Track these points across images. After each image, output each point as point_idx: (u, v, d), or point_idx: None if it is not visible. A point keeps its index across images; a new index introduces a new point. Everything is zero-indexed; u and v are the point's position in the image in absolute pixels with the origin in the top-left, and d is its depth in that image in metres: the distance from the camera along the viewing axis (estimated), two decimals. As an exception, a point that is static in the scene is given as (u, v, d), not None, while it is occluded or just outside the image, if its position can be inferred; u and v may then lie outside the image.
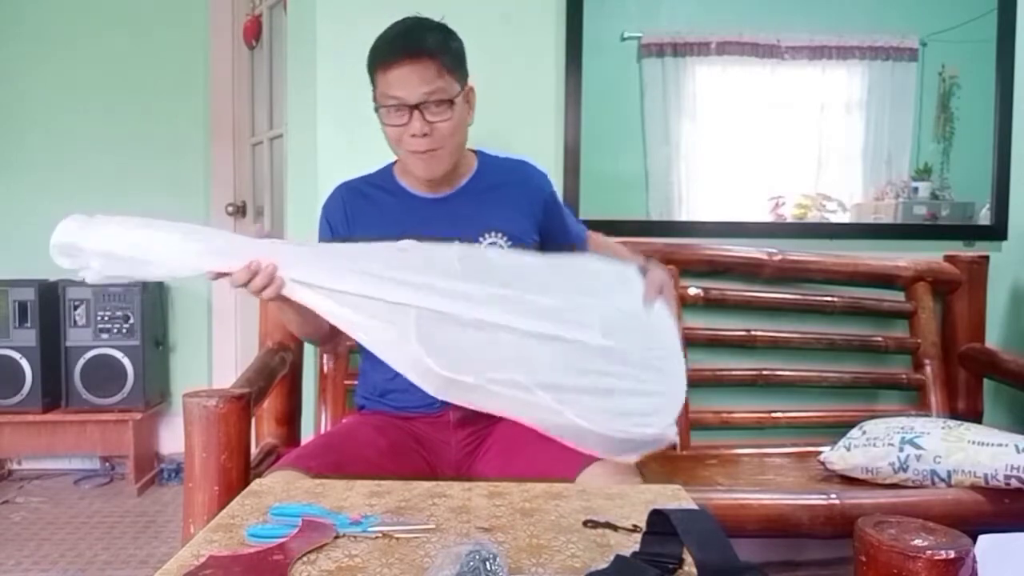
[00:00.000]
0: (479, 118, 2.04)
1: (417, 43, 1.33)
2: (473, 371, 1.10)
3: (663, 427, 1.15)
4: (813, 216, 2.09)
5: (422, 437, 1.38)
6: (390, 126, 1.36)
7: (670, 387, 1.21)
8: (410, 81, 1.32)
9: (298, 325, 1.39)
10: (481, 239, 1.40)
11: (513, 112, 1.99)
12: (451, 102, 1.35)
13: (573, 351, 1.15)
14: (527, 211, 1.46)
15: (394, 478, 1.11)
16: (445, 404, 1.30)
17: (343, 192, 1.50)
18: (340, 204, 1.48)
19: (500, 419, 1.28)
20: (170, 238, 1.26)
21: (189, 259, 1.21)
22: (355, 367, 1.66)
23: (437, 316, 1.14)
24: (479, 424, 1.36)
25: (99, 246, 1.18)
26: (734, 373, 1.98)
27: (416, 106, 1.32)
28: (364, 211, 1.46)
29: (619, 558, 0.77)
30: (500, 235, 1.41)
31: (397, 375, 1.31)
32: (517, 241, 1.42)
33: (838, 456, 1.64)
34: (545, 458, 1.21)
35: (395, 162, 1.50)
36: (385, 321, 1.14)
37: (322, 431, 1.73)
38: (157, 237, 1.25)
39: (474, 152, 1.52)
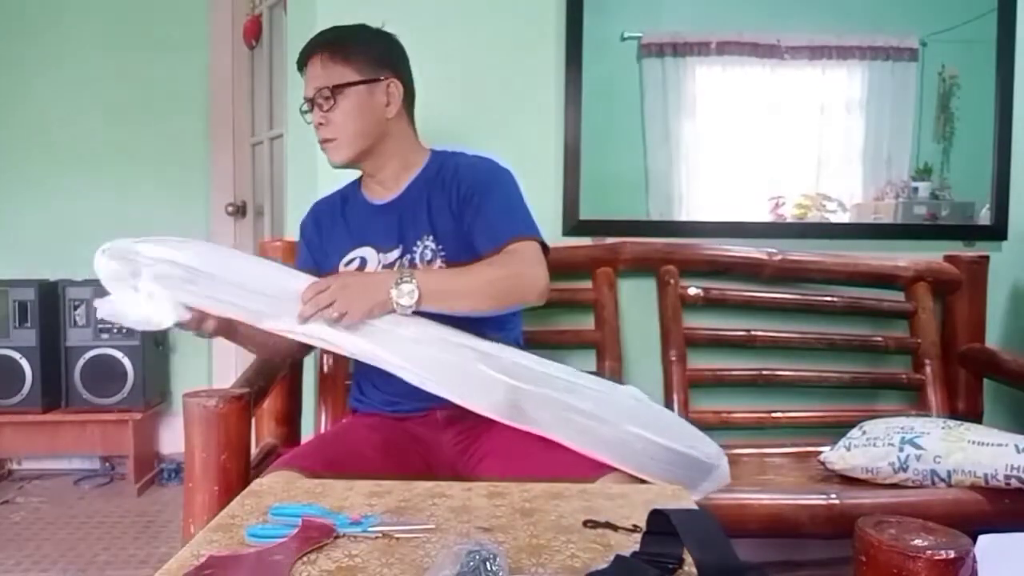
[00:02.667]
0: (479, 118, 2.04)
1: (309, 45, 1.44)
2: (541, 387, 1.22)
3: (716, 453, 1.25)
4: (813, 216, 2.09)
5: (417, 436, 1.38)
6: (311, 124, 1.45)
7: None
8: (307, 78, 1.43)
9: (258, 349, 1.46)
10: (417, 244, 1.42)
11: (513, 112, 1.99)
12: (336, 89, 1.39)
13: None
14: (456, 209, 1.41)
15: (390, 476, 1.12)
16: (433, 404, 1.33)
17: (315, 212, 1.57)
18: (313, 223, 1.55)
19: (492, 423, 1.29)
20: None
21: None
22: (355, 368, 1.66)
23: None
24: (467, 423, 1.35)
25: (156, 254, 1.21)
26: (734, 373, 1.98)
27: (312, 99, 1.41)
28: (332, 226, 1.52)
29: (619, 558, 0.76)
30: (430, 239, 1.41)
31: (389, 379, 1.33)
32: (448, 245, 1.40)
33: (838, 456, 1.64)
34: (558, 467, 1.20)
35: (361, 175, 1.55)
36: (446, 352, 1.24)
37: (322, 431, 1.73)
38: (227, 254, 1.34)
39: (431, 151, 1.52)
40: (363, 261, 1.44)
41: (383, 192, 1.49)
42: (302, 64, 1.44)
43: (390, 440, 1.34)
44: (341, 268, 1.45)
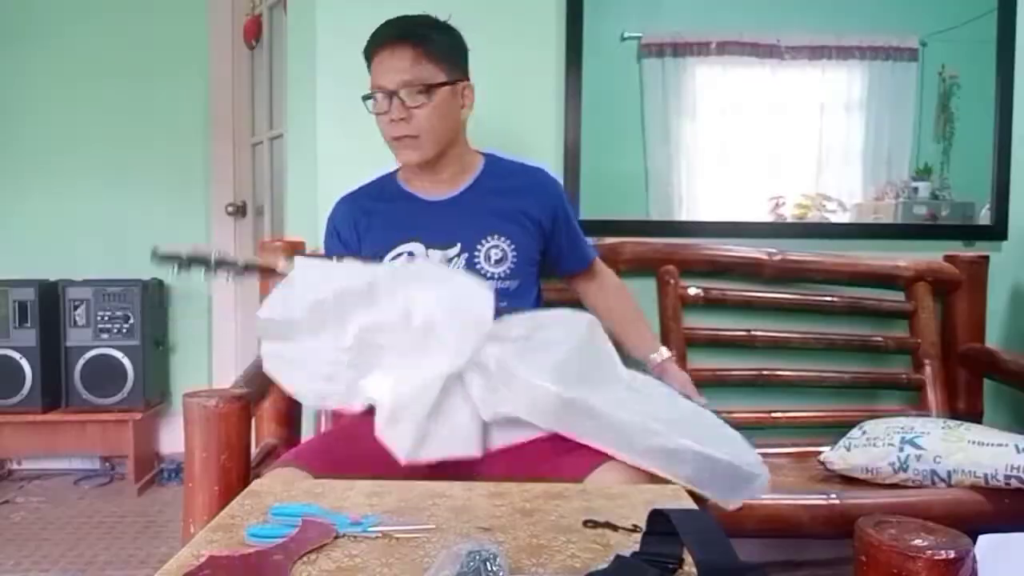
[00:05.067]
0: (479, 117, 2.04)
1: (397, 30, 1.38)
2: (593, 393, 1.17)
3: (755, 460, 1.21)
4: (813, 216, 2.09)
5: None
6: (376, 114, 1.40)
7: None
8: (389, 67, 1.37)
9: None
10: (483, 242, 1.42)
11: (513, 112, 1.99)
12: (429, 89, 1.37)
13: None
14: (533, 219, 1.47)
15: (394, 478, 1.12)
16: None
17: (349, 205, 1.52)
18: (349, 217, 1.50)
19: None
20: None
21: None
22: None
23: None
24: None
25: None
26: (734, 373, 1.98)
27: (394, 92, 1.37)
28: (371, 223, 1.48)
29: (619, 558, 0.76)
30: (503, 239, 1.43)
31: None
32: (520, 248, 1.43)
33: (838, 456, 1.64)
34: (552, 463, 1.20)
35: (397, 169, 1.52)
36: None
37: (322, 431, 1.73)
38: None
39: (481, 154, 1.54)
40: (411, 255, 1.42)
41: (435, 190, 1.47)
42: (375, 50, 1.38)
43: None
44: (386, 261, 1.42)
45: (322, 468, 1.18)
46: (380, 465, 1.24)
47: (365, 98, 1.41)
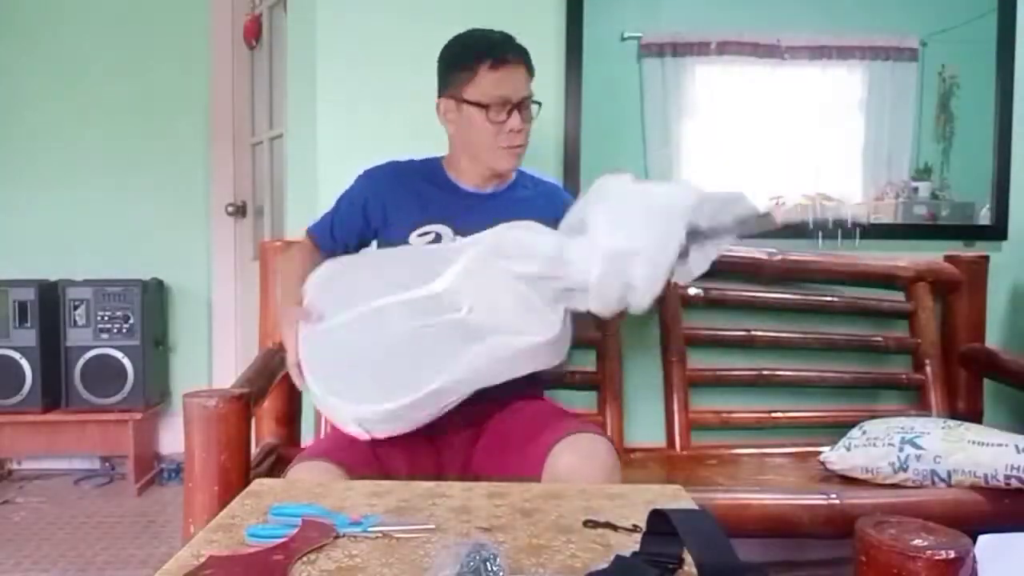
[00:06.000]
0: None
1: (514, 47, 1.45)
2: None
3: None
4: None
5: (432, 435, 1.38)
6: (492, 122, 1.42)
7: None
8: (517, 81, 1.43)
9: None
10: None
11: (513, 112, 1.99)
12: (536, 105, 1.47)
13: None
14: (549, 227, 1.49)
15: (406, 476, 1.13)
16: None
17: (393, 170, 1.54)
18: (387, 178, 1.53)
19: (495, 412, 1.35)
20: None
21: None
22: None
23: None
24: (475, 419, 1.38)
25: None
26: (734, 373, 1.98)
27: (517, 104, 1.43)
28: (406, 192, 1.50)
29: (619, 558, 0.77)
30: None
31: None
32: None
33: (838, 456, 1.65)
34: (517, 455, 1.26)
35: (442, 157, 1.56)
36: None
37: (322, 431, 1.73)
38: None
39: None
40: (438, 236, 1.45)
41: (478, 184, 1.51)
42: (495, 61, 1.41)
43: (411, 442, 1.35)
44: (413, 239, 1.45)
45: (354, 463, 1.20)
46: (396, 462, 1.28)
47: (470, 103, 1.42)
